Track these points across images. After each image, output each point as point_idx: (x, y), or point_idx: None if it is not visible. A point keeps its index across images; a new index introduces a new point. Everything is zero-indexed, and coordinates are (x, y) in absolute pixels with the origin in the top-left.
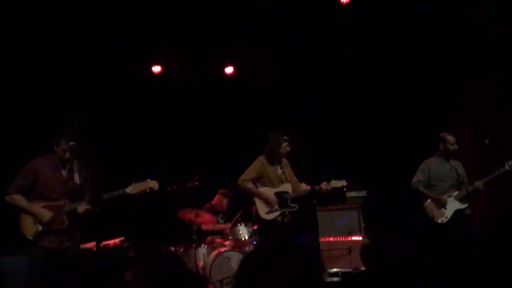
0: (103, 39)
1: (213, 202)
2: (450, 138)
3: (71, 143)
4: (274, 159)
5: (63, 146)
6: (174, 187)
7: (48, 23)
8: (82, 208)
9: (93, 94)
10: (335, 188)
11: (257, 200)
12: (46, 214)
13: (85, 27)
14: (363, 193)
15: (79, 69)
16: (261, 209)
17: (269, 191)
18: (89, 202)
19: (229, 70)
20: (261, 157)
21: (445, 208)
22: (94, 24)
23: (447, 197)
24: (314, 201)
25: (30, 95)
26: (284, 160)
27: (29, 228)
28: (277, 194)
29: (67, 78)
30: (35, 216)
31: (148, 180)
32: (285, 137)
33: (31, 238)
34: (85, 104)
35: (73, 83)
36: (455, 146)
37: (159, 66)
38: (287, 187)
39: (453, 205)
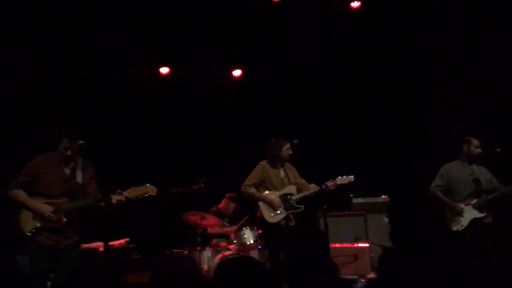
0: (107, 38)
1: (220, 206)
2: (475, 141)
3: (81, 142)
4: (276, 163)
5: (65, 144)
6: (180, 189)
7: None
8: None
9: (98, 96)
10: (342, 185)
11: (261, 204)
12: (47, 209)
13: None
14: (369, 200)
15: (80, 71)
16: (266, 212)
17: (272, 195)
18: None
19: (237, 72)
20: (263, 162)
21: (462, 217)
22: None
23: (465, 205)
24: (324, 206)
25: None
26: (288, 164)
27: (28, 223)
28: (282, 197)
29: (67, 80)
30: (35, 211)
31: (148, 184)
32: (289, 141)
33: (28, 234)
34: (91, 105)
35: (77, 85)
36: (479, 150)
37: (167, 68)
38: (291, 189)
39: (470, 214)
